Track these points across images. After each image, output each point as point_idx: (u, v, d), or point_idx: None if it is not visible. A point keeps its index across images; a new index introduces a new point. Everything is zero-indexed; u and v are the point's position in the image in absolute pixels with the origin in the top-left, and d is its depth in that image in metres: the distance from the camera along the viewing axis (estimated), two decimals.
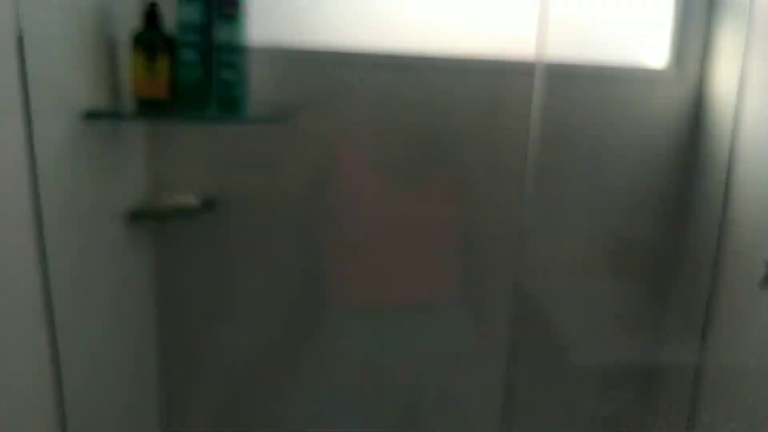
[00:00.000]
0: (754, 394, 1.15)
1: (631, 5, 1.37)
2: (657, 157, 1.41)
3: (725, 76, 1.29)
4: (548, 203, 1.43)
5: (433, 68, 1.33)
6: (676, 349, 1.49)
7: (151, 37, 1.13)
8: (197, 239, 1.40)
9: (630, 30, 1.37)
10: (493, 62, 1.33)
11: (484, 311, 1.51)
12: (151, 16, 1.14)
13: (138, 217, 1.28)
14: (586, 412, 1.59)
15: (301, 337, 1.47)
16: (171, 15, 1.13)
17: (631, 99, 1.36)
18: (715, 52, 1.33)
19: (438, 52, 1.33)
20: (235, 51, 1.15)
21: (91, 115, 1.07)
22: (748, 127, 1.23)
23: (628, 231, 1.46)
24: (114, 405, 1.21)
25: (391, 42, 1.35)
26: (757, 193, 1.18)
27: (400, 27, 1.35)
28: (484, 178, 1.42)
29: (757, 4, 1.18)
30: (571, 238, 1.46)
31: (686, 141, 1.40)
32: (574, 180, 1.42)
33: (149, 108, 1.16)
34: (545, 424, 1.59)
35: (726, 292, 1.29)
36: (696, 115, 1.38)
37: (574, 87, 1.35)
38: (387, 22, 1.35)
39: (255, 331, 1.46)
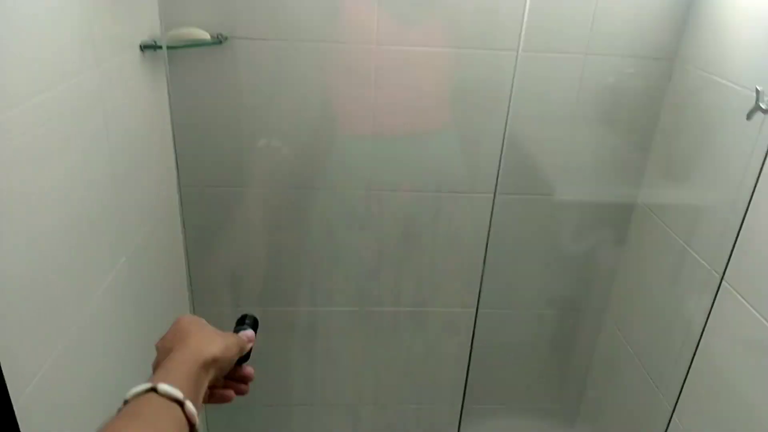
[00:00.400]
0: (723, 224, 1.26)
1: None
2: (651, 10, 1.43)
3: None
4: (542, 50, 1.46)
5: None
6: (658, 189, 1.60)
7: None
8: (208, 69, 1.42)
9: None
10: None
11: (477, 143, 1.58)
12: None
13: (150, 47, 1.29)
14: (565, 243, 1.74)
15: (311, 160, 1.55)
16: None
17: None
18: None
19: None
20: None
21: None
22: None
23: (615, 82, 1.51)
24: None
25: None
26: (730, 38, 1.22)
27: None
28: (477, 19, 1.43)
29: None
30: (562, 86, 1.51)
31: None
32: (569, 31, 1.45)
33: None
34: (522, 247, 1.73)
35: (712, 127, 1.36)
36: None
37: None
38: None
39: (263, 151, 1.53)
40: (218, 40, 1.38)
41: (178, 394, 0.52)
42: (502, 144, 1.44)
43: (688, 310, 1.43)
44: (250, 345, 0.68)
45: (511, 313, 1.82)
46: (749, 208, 1.24)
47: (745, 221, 1.25)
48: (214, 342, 0.61)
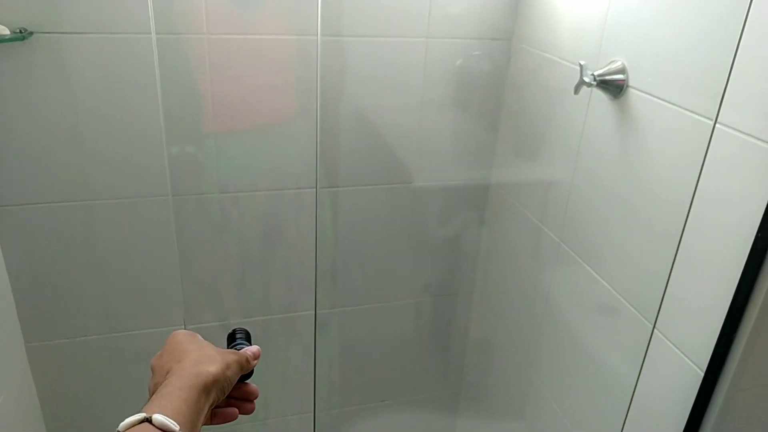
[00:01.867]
0: (566, 198, 1.30)
1: None
2: None
3: None
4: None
5: None
6: (507, 168, 1.63)
7: None
8: (9, 69, 1.25)
9: None
10: None
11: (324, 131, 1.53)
12: None
13: None
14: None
15: (147, 167, 1.42)
16: None
17: None
18: None
19: None
20: None
21: None
22: None
23: (460, 65, 1.52)
24: None
25: None
26: (554, 16, 1.26)
27: None
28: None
29: None
30: (408, 72, 1.50)
31: None
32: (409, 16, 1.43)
33: None
34: (389, 238, 1.72)
35: (549, 104, 1.40)
36: None
37: None
38: None
39: (86, 160, 1.38)
40: (21, 36, 1.22)
41: (173, 426, 0.48)
42: (317, 136, 1.40)
43: (545, 282, 1.47)
44: (255, 362, 0.65)
45: (383, 306, 1.79)
46: (573, 181, 1.28)
47: (571, 193, 1.30)
48: (213, 361, 0.57)
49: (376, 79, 1.48)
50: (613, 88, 1.14)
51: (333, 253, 1.67)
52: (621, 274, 1.18)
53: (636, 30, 1.10)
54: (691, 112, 0.97)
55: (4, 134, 1.30)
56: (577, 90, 1.17)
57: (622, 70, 1.13)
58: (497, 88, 1.58)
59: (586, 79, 1.15)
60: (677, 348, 1.01)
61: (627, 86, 1.12)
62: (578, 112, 1.27)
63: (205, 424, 0.55)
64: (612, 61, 1.15)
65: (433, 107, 1.57)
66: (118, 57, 1.29)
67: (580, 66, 1.15)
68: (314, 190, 1.56)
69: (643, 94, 1.08)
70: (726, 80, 0.89)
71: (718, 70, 0.89)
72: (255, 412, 0.64)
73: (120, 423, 0.49)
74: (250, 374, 0.65)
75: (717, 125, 0.91)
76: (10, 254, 1.38)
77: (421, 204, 1.69)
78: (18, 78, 1.26)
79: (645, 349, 1.09)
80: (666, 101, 1.02)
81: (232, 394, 0.62)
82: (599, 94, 1.18)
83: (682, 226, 0.98)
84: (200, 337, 0.63)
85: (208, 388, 0.54)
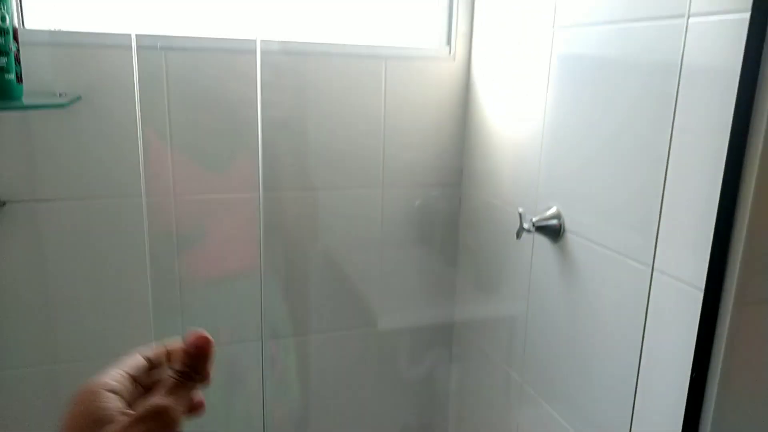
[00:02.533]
0: (521, 335, 1.33)
1: None
2: (438, 130, 1.57)
3: (482, 54, 1.48)
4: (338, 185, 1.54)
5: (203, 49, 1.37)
6: (468, 305, 1.67)
7: None
8: None
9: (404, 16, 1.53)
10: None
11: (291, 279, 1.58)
12: None
13: None
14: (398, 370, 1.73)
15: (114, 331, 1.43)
16: None
17: (412, 77, 1.51)
18: (475, 35, 1.52)
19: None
20: (4, 34, 1.09)
21: None
22: (492, 92, 1.42)
23: (415, 209, 1.61)
24: None
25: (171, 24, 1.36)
26: (496, 166, 1.37)
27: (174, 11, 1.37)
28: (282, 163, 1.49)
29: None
30: (367, 219, 1.58)
31: (460, 113, 1.58)
32: (365, 160, 1.54)
33: None
34: (355, 382, 1.70)
35: (493, 244, 1.47)
36: (467, 89, 1.57)
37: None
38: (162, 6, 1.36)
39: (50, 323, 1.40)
40: None
41: None
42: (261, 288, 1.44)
43: (512, 424, 1.45)
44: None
45: None
46: (527, 321, 1.32)
47: (528, 333, 1.33)
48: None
49: (339, 226, 1.56)
50: (551, 232, 1.21)
51: (304, 401, 1.65)
52: (582, 417, 1.18)
53: (567, 177, 1.19)
54: (628, 257, 1.03)
55: None
56: (518, 235, 1.24)
57: (558, 216, 1.21)
58: (452, 230, 1.66)
59: (525, 225, 1.22)
60: None
61: (564, 231, 1.20)
62: (525, 254, 1.34)
63: None
64: (548, 207, 1.24)
65: (393, 249, 1.63)
66: (89, 221, 1.36)
67: (519, 214, 1.23)
68: (275, 340, 1.57)
69: (579, 239, 1.15)
70: (657, 226, 0.96)
71: (650, 217, 0.97)
72: None
73: None
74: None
75: (655, 272, 0.97)
76: None
77: (389, 346, 1.70)
78: None
79: None
80: (602, 245, 1.09)
81: None
82: (541, 237, 1.26)
83: (636, 371, 1.01)
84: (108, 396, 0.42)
85: None
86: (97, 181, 1.35)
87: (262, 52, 1.31)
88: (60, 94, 1.26)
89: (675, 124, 0.90)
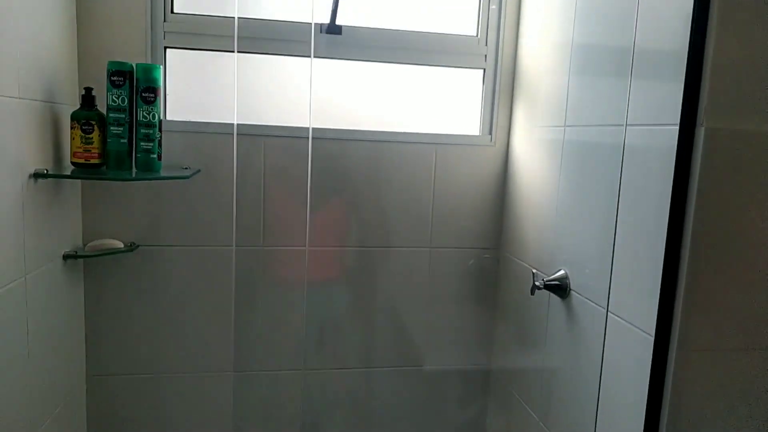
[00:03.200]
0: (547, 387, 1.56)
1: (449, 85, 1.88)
2: (481, 202, 1.88)
3: (519, 141, 1.79)
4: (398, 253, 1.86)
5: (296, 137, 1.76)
6: (502, 353, 1.91)
7: (86, 115, 1.50)
8: (121, 275, 1.73)
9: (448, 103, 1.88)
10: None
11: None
12: (87, 98, 1.51)
13: (71, 257, 1.61)
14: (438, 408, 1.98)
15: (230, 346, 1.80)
16: (103, 99, 1.51)
17: (459, 159, 1.84)
18: (513, 127, 1.84)
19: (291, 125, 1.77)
20: (152, 126, 1.53)
21: (37, 175, 1.41)
22: (523, 172, 1.72)
23: (470, 263, 1.90)
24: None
25: (269, 118, 1.77)
26: (526, 233, 1.63)
27: (276, 106, 1.79)
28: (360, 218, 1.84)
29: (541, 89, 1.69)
30: (419, 272, 1.89)
31: (499, 188, 1.88)
32: (418, 224, 1.86)
33: (85, 170, 1.52)
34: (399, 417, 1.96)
35: (520, 300, 1.73)
36: (505, 170, 1.87)
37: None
38: (271, 103, 1.78)
39: (175, 343, 1.78)
40: (130, 248, 1.71)
41: None
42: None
43: None
44: None
45: None
46: (550, 370, 1.55)
47: (543, 376, 1.56)
48: None
49: (394, 280, 1.87)
50: (559, 290, 1.47)
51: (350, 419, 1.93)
52: None
53: (571, 243, 1.45)
54: (596, 304, 1.27)
55: (115, 320, 1.74)
56: (532, 292, 1.50)
57: (565, 277, 1.46)
58: (492, 286, 1.93)
59: (538, 283, 1.48)
60: None
61: (569, 289, 1.45)
62: (543, 309, 1.59)
63: None
64: (558, 269, 1.50)
65: (441, 301, 1.92)
66: (198, 262, 1.76)
67: (532, 274, 1.50)
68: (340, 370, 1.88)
69: (580, 297, 1.40)
70: (610, 272, 1.21)
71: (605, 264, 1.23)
72: None
73: None
74: None
75: (609, 314, 1.21)
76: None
77: (432, 385, 1.96)
78: (127, 280, 1.73)
79: None
80: (597, 305, 1.33)
81: None
82: (554, 295, 1.51)
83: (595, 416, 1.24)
84: None
85: None
86: (204, 232, 1.75)
87: (347, 139, 1.69)
88: (185, 168, 1.69)
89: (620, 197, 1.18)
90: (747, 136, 1.03)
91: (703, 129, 1.02)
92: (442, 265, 1.89)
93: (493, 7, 1.82)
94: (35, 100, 1.40)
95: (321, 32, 1.76)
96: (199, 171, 1.70)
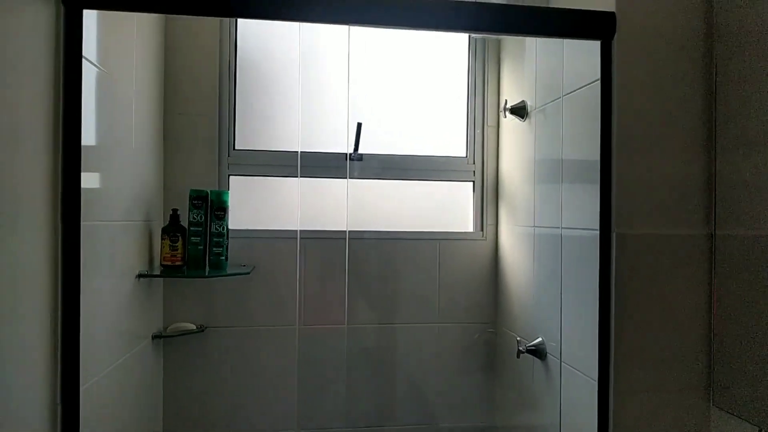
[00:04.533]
0: None
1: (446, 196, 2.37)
2: (478, 285, 2.33)
3: (505, 236, 2.26)
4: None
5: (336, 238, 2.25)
6: (502, 412, 2.29)
7: (174, 230, 2.01)
8: (194, 352, 2.18)
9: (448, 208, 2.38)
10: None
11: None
12: (174, 217, 2.02)
13: (157, 337, 2.07)
14: None
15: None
16: (185, 216, 2.02)
17: (458, 251, 2.31)
18: (500, 224, 2.32)
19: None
20: (222, 236, 2.04)
21: (141, 275, 1.90)
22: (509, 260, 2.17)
23: (468, 333, 2.33)
24: None
25: (315, 223, 2.27)
26: (514, 308, 2.06)
27: (318, 214, 2.29)
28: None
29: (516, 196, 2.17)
30: (429, 344, 2.31)
31: (491, 274, 2.33)
32: (425, 304, 2.31)
33: (171, 270, 2.01)
34: None
35: (507, 368, 2.13)
36: (495, 258, 2.33)
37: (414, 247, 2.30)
38: (313, 210, 2.29)
39: (242, 415, 2.20)
40: (201, 330, 2.17)
41: None
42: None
43: None
44: None
45: None
46: (532, 422, 1.94)
47: None
48: None
49: (409, 351, 2.29)
50: (539, 354, 1.89)
51: None
52: None
53: (546, 315, 1.88)
54: (567, 364, 1.69)
55: (188, 388, 2.17)
56: (518, 356, 1.92)
57: (542, 343, 1.89)
58: (491, 352, 2.34)
59: (521, 348, 1.90)
60: None
61: (546, 353, 1.87)
62: (527, 371, 1.99)
63: None
64: (536, 337, 1.92)
65: (450, 369, 2.32)
66: (254, 342, 2.21)
67: (517, 341, 1.92)
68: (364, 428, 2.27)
69: (553, 358, 1.82)
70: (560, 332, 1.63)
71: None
72: None
73: None
74: None
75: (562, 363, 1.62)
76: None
77: None
78: (197, 356, 2.18)
79: None
80: (568, 364, 1.75)
81: None
82: (536, 358, 1.92)
83: None
84: None
85: None
86: (258, 315, 2.21)
87: (357, 239, 2.18)
88: (243, 266, 2.17)
89: (563, 279, 1.63)
90: (649, 237, 1.49)
91: (614, 234, 1.48)
92: (448, 338, 2.32)
93: (478, 131, 2.35)
94: (136, 221, 1.91)
95: (346, 159, 2.29)
96: (254, 268, 2.18)
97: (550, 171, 1.88)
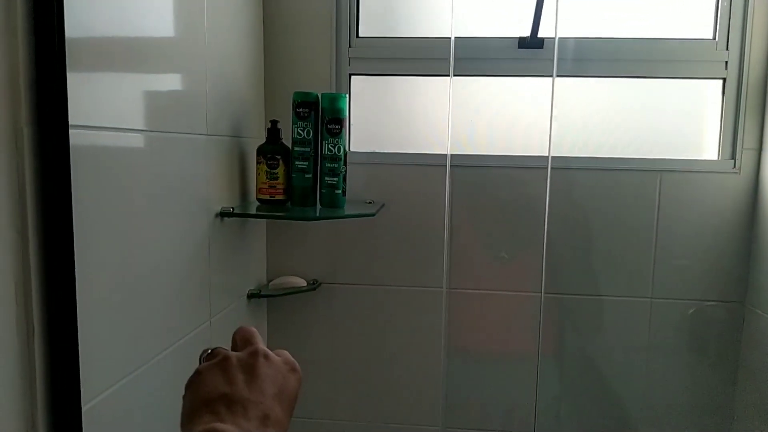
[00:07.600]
0: None
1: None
2: (717, 245, 1.51)
3: None
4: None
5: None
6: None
7: (272, 150, 1.43)
8: (303, 313, 1.64)
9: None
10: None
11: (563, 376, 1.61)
12: (272, 131, 1.44)
13: (255, 296, 1.54)
14: None
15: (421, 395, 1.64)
16: (288, 131, 1.43)
17: (690, 189, 1.50)
18: (766, 150, 1.45)
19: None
20: (337, 160, 1.42)
21: (223, 214, 1.35)
22: None
23: (696, 315, 1.54)
24: None
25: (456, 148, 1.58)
26: None
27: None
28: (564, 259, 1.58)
29: None
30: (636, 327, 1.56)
31: (744, 229, 1.49)
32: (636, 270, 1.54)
33: (270, 206, 1.44)
34: None
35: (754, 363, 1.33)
36: (753, 204, 1.49)
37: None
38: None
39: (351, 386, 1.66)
40: (313, 287, 1.62)
41: None
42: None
43: None
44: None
45: None
46: None
47: None
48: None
49: (607, 330, 1.57)
50: None
51: None
52: None
53: None
54: None
55: (296, 357, 1.65)
56: None
57: None
58: (733, 346, 1.54)
59: None
60: None
61: None
62: None
63: None
64: None
65: (662, 359, 1.57)
66: (382, 302, 1.62)
67: None
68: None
69: None
70: None
71: None
72: None
73: None
74: None
75: None
76: None
77: None
78: (310, 317, 1.64)
79: None
80: None
81: None
82: None
83: None
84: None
85: None
86: (387, 270, 1.60)
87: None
88: (369, 202, 1.56)
89: None
90: None
91: None
92: (665, 319, 1.55)
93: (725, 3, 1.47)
94: (223, 135, 1.35)
95: (518, 47, 1.54)
96: (383, 206, 1.55)
97: None
